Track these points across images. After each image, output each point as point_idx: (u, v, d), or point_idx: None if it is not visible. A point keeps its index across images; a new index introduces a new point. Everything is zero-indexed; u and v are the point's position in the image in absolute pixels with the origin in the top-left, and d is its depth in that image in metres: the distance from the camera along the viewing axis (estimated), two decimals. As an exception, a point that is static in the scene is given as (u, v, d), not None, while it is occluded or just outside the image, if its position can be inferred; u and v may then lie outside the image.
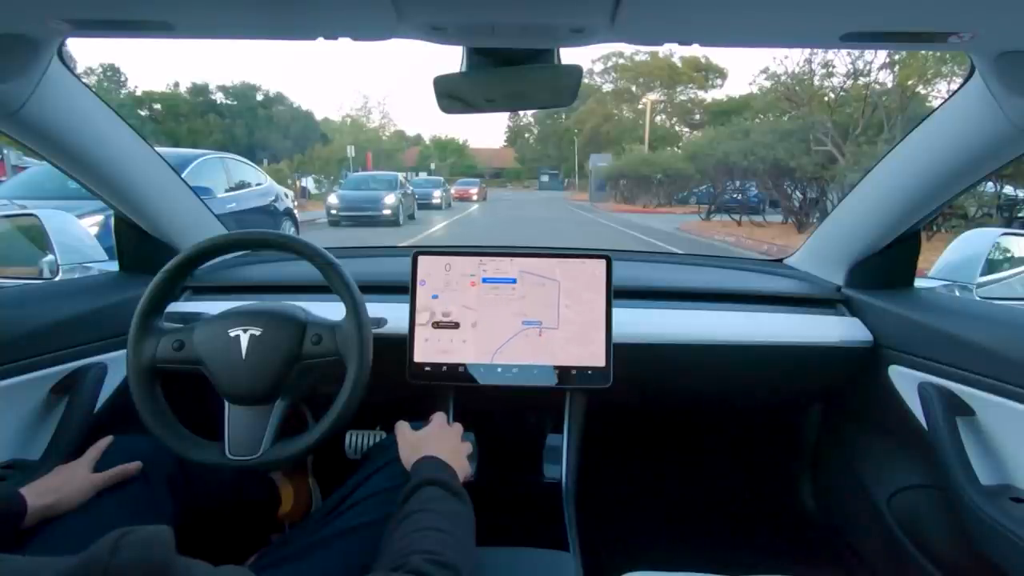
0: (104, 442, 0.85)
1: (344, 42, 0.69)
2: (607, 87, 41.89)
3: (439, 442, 0.82)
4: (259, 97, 33.47)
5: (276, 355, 0.85)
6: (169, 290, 0.89)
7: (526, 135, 54.44)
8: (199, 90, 32.43)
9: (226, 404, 0.86)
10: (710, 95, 40.11)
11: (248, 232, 0.92)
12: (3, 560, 0.40)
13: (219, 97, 33.05)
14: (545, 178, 44.38)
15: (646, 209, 19.67)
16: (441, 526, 0.63)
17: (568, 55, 0.77)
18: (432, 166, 42.01)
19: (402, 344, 1.03)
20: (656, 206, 19.91)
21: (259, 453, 0.83)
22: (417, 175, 30.61)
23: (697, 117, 39.22)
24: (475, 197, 25.90)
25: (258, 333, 0.85)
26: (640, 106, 39.34)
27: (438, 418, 0.89)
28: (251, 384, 0.84)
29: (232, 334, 0.85)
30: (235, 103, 32.45)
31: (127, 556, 0.38)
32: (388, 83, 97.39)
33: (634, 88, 41.12)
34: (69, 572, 0.37)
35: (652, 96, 38.79)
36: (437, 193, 19.10)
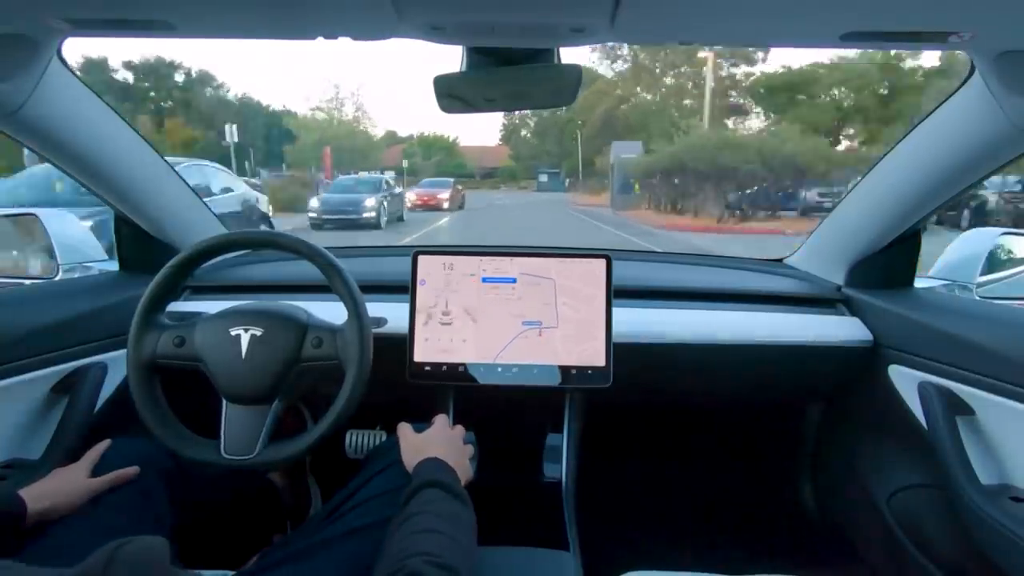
0: (102, 445, 0.85)
1: (344, 42, 0.69)
2: (620, 66, 33.42)
3: (441, 444, 0.82)
4: (178, 78, 26.29)
5: (276, 356, 0.85)
6: (171, 288, 0.89)
7: (522, 131, 46.78)
8: (94, 66, 24.73)
9: (224, 403, 0.86)
10: (758, 69, 28.59)
11: (249, 232, 0.92)
12: (2, 568, 0.40)
13: (125, 76, 25.95)
14: (544, 177, 38.58)
15: (722, 227, 11.89)
16: (441, 528, 0.63)
17: (568, 55, 0.77)
18: (405, 163, 35.86)
19: (402, 344, 1.03)
20: (739, 219, 12.19)
21: (254, 453, 0.83)
22: (370, 174, 19.49)
23: (739, 99, 29.45)
24: (446, 205, 17.66)
25: (259, 333, 0.85)
26: (664, 88, 30.99)
27: (440, 420, 0.89)
28: (249, 384, 0.84)
29: (233, 333, 0.85)
30: (147, 84, 26.17)
31: (122, 570, 0.38)
32: (363, 73, 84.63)
33: (657, 69, 32.03)
34: None
35: (707, 56, 22.98)
36: (371, 202, 12.10)
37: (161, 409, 0.85)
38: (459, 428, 0.89)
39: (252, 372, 0.84)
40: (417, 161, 39.69)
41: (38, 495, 0.74)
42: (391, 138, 44.64)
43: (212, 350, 0.85)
